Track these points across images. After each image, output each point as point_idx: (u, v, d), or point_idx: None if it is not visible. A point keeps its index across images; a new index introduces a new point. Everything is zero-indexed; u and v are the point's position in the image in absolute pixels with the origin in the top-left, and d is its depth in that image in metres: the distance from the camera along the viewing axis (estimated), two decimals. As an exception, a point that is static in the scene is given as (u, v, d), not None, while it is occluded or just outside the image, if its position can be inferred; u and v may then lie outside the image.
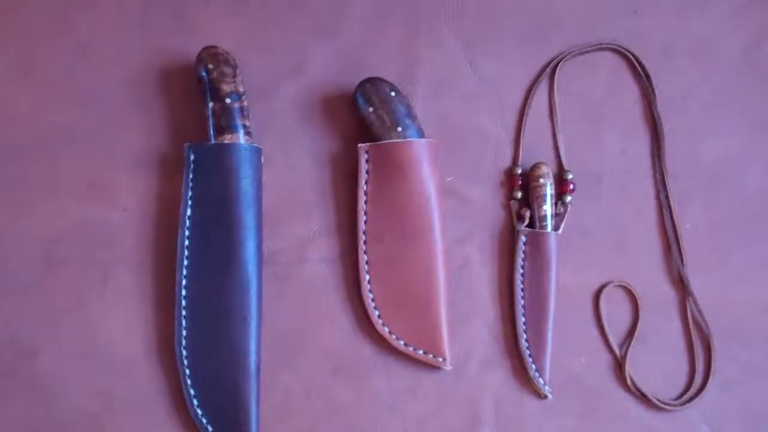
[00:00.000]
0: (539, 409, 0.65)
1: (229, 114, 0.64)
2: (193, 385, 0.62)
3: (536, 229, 0.67)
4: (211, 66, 0.64)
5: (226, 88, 0.64)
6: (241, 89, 0.64)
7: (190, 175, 0.64)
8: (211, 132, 0.64)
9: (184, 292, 0.63)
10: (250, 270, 0.63)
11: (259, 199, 0.64)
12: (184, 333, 0.63)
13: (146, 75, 0.68)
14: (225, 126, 0.64)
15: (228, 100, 0.64)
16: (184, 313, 0.63)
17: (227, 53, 0.65)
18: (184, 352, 0.62)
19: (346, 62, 0.69)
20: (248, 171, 0.63)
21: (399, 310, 0.65)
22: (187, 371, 0.62)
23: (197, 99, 0.66)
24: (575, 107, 0.70)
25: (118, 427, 0.63)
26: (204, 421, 0.61)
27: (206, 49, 0.65)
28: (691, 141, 0.70)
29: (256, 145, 0.65)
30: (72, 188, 0.66)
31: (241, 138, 0.64)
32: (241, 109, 0.64)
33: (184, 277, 0.63)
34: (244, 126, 0.64)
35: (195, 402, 0.62)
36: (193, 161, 0.64)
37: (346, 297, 0.66)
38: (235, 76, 0.64)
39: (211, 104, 0.64)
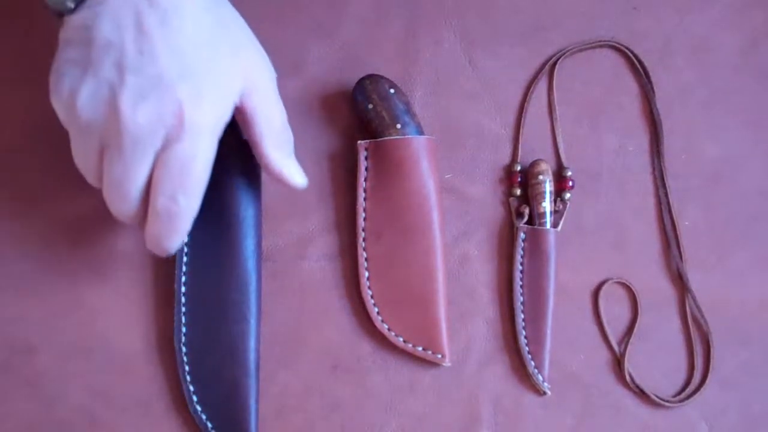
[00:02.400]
0: (538, 406, 0.65)
1: None
2: (192, 382, 0.62)
3: (535, 227, 0.67)
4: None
5: None
6: None
7: None
8: None
9: (183, 289, 0.63)
10: (249, 267, 0.63)
11: (258, 196, 0.64)
12: (184, 330, 0.62)
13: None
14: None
15: None
16: (183, 310, 0.63)
17: None
18: (184, 349, 0.62)
19: (345, 60, 0.69)
20: (248, 166, 0.63)
21: (398, 308, 0.65)
22: (187, 368, 0.62)
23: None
24: (574, 105, 0.70)
25: (116, 425, 0.63)
26: (203, 417, 0.61)
27: None
28: (690, 139, 0.70)
29: None
30: (70, 185, 0.65)
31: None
32: None
33: (184, 274, 0.63)
34: None
35: (194, 399, 0.62)
36: None
37: (345, 294, 0.66)
38: None
39: None
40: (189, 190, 0.55)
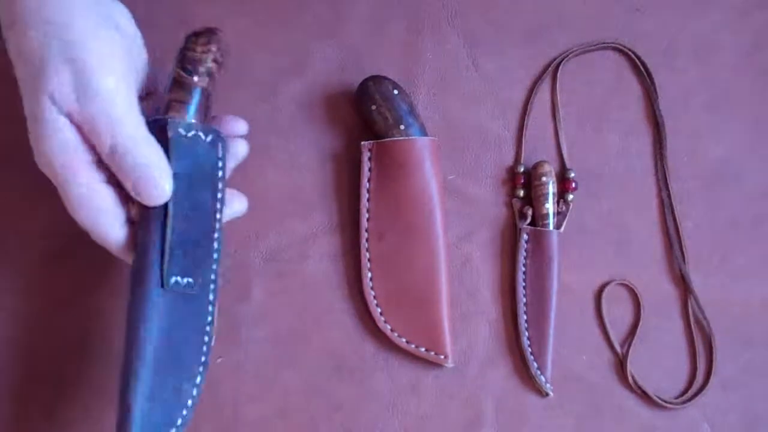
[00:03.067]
0: (540, 407, 0.65)
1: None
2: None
3: (538, 228, 0.67)
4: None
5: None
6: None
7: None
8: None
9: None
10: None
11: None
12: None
13: (149, 72, 0.67)
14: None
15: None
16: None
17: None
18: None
19: (349, 60, 0.69)
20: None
21: (401, 308, 0.65)
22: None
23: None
24: (577, 106, 0.70)
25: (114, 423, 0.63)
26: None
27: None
28: (693, 140, 0.70)
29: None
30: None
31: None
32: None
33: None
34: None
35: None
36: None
37: (347, 294, 0.66)
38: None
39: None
40: (79, 223, 0.56)
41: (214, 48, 0.59)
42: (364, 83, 0.66)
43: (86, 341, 0.64)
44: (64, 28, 0.54)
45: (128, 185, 0.55)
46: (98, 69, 0.54)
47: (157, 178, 0.55)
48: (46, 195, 0.65)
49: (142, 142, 0.55)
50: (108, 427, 0.62)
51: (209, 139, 0.58)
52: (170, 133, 0.56)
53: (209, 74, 0.59)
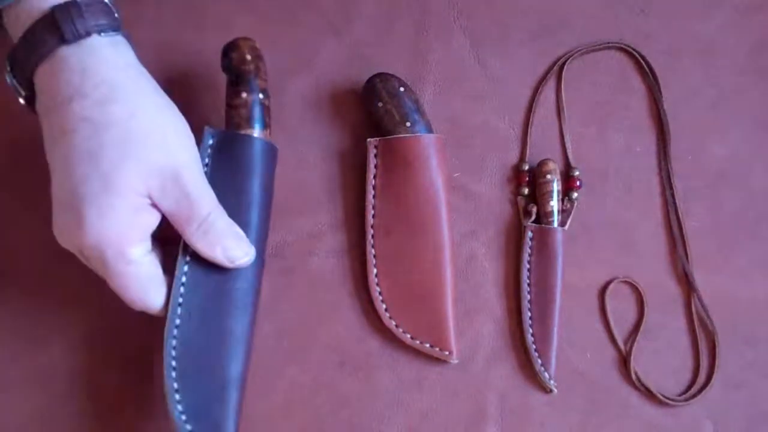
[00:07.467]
0: (544, 404, 0.65)
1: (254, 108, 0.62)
2: (177, 378, 0.57)
3: (542, 225, 0.67)
4: (249, 58, 0.63)
5: (260, 83, 0.63)
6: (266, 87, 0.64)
7: (206, 160, 0.61)
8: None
9: (182, 290, 0.60)
10: (249, 275, 0.60)
11: (266, 202, 0.62)
12: (177, 321, 0.59)
13: (156, 70, 0.68)
14: (248, 119, 0.62)
15: (260, 95, 0.62)
16: (180, 300, 0.59)
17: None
18: (173, 342, 0.58)
19: (355, 58, 0.70)
20: (262, 168, 0.62)
21: (406, 304, 0.65)
22: (173, 363, 0.58)
23: (214, 92, 0.66)
24: (582, 105, 0.70)
25: (121, 422, 0.63)
26: (183, 418, 0.56)
27: (246, 40, 0.63)
28: (697, 140, 0.70)
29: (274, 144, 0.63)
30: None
31: (261, 133, 0.62)
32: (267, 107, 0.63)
33: (184, 274, 0.59)
34: (267, 125, 0.63)
35: (176, 397, 0.57)
36: (211, 147, 0.61)
37: (353, 291, 0.66)
38: (265, 72, 0.63)
39: (244, 95, 0.62)
40: (126, 297, 0.57)
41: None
42: (371, 81, 0.67)
43: (97, 337, 0.64)
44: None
45: (216, 252, 0.58)
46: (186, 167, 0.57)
47: (245, 238, 0.59)
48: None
49: (222, 211, 0.59)
50: (114, 424, 0.63)
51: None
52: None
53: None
